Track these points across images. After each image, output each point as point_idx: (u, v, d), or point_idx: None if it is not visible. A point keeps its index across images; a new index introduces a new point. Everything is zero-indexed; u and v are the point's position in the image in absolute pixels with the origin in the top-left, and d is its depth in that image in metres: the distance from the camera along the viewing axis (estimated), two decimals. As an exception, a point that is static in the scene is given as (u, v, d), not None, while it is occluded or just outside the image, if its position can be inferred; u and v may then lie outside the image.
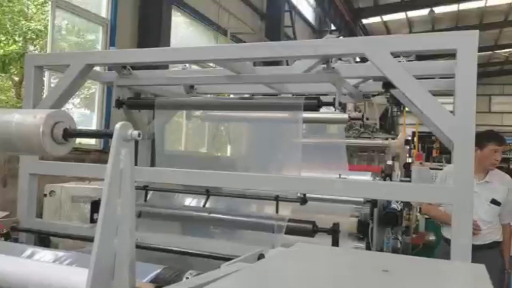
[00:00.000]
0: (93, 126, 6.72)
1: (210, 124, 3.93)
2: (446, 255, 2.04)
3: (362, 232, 3.77)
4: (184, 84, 3.56)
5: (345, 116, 3.41)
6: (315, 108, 2.55)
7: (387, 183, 2.36)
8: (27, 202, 3.03)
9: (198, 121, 3.98)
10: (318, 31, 16.55)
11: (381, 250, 3.88)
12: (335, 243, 2.28)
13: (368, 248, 3.85)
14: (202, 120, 4.15)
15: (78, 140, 6.83)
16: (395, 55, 2.21)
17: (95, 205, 2.85)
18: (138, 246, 2.41)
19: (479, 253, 3.55)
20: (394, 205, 4.00)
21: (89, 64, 2.92)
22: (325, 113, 3.43)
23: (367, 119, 5.18)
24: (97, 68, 4.12)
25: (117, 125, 1.30)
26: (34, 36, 6.53)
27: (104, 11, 6.45)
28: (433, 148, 13.76)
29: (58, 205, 4.85)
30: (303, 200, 2.35)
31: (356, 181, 2.52)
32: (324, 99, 2.60)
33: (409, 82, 2.15)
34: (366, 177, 4.55)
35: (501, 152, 3.96)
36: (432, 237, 5.60)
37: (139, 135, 1.29)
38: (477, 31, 2.06)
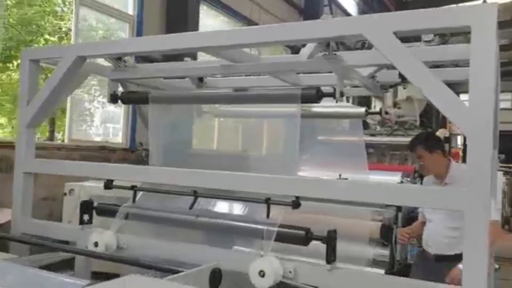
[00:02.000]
0: (121, 123, 6.71)
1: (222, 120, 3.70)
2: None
3: (386, 238, 3.44)
4: (191, 77, 3.37)
5: (362, 110, 3.09)
6: (315, 99, 2.26)
7: (382, 184, 2.05)
8: (22, 202, 2.93)
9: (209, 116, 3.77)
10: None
11: (406, 259, 3.53)
12: (331, 253, 1.99)
13: (392, 256, 3.52)
14: (215, 116, 3.94)
15: (105, 138, 6.81)
16: (401, 36, 1.89)
17: (85, 206, 2.70)
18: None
19: (445, 264, 3.04)
20: (420, 209, 3.62)
21: (81, 56, 2.77)
22: (340, 106, 3.14)
23: (387, 113, 4.74)
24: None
25: None
26: (63, 35, 6.58)
27: (130, 8, 6.39)
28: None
29: (77, 204, 4.80)
30: (296, 203, 2.07)
31: (353, 183, 2.20)
32: (326, 90, 2.30)
33: (415, 66, 1.84)
34: (394, 177, 4.19)
35: None
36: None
37: None
38: (496, 4, 1.71)
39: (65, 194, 4.94)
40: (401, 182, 4.01)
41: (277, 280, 2.00)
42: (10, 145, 4.85)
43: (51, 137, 5.93)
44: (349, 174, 3.19)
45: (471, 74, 1.74)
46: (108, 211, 2.62)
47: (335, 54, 2.21)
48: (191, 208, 2.31)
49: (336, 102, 2.23)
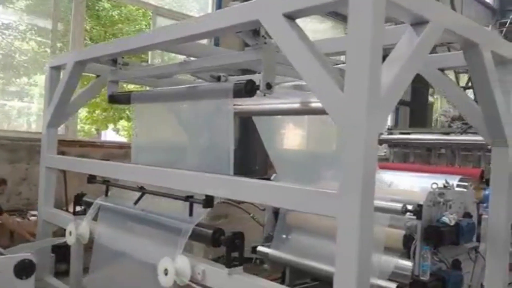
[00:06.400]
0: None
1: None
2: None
3: (408, 248, 3.07)
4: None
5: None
6: (245, 93, 2.12)
7: (246, 181, 1.82)
8: (44, 194, 3.30)
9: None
10: (499, 12, 14.17)
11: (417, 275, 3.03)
12: (235, 257, 1.87)
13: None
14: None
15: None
16: (293, 17, 1.69)
17: (77, 198, 2.93)
18: None
19: None
20: (447, 217, 3.09)
21: (78, 61, 3.02)
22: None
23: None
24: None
25: None
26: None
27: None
28: None
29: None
30: (207, 202, 1.99)
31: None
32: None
33: (298, 48, 1.63)
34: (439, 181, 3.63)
35: None
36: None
37: None
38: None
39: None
40: (445, 186, 3.44)
41: (183, 281, 1.95)
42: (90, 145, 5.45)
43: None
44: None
45: (347, 52, 1.49)
46: (89, 204, 2.81)
47: (265, 43, 2.04)
48: (136, 203, 2.38)
49: (264, 95, 2.06)
